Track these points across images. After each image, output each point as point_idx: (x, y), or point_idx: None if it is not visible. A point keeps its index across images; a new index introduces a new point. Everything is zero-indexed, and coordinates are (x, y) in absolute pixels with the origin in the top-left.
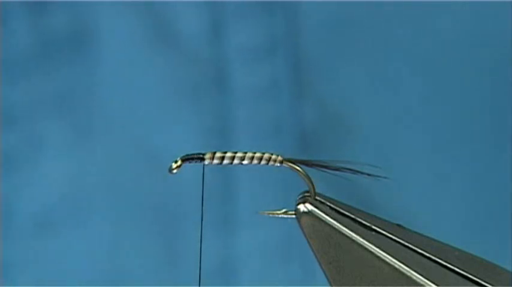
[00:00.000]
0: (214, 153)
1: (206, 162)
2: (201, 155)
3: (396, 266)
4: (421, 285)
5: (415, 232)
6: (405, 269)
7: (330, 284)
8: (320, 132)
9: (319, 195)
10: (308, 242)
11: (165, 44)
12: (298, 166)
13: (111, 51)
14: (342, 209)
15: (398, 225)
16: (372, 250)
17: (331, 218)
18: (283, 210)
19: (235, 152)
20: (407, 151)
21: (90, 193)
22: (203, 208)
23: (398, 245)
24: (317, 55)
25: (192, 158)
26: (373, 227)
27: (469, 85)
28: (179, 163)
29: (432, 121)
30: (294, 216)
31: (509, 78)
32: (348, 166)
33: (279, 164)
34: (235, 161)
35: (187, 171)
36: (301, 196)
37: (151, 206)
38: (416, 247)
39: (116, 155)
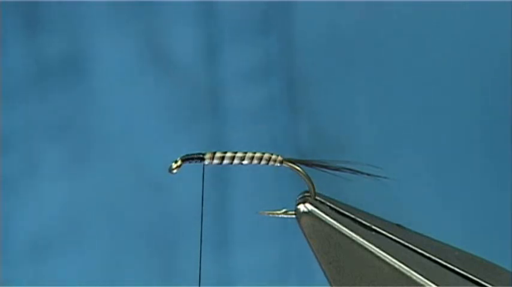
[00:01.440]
0: (214, 153)
1: (206, 162)
2: (201, 155)
3: (396, 266)
4: (421, 285)
5: (415, 232)
6: (405, 269)
7: (330, 284)
8: (315, 153)
9: (319, 195)
10: (308, 242)
11: (160, 67)
12: (298, 166)
13: (107, 76)
14: (342, 209)
15: (398, 225)
16: (372, 250)
17: (331, 218)
18: (283, 210)
19: (235, 152)
20: (403, 169)
21: (86, 215)
22: (202, 208)
23: (398, 245)
24: (312, 75)
25: (192, 158)
26: (373, 227)
27: (468, 90)
28: (179, 162)
29: (429, 139)
30: (294, 216)
31: (509, 80)
32: (348, 166)
33: (279, 164)
34: (235, 161)
35: (185, 192)
36: (301, 196)
37: (147, 228)
38: (416, 247)
39: (112, 178)
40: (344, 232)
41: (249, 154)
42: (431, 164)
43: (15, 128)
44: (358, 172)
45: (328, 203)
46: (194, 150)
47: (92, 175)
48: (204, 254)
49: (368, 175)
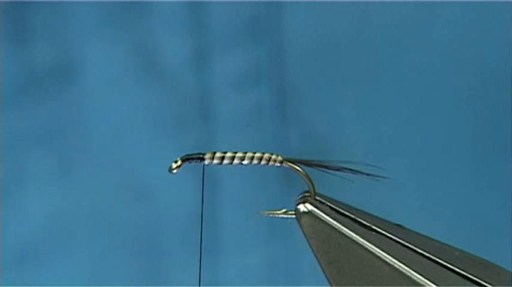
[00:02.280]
0: (214, 153)
1: (206, 162)
2: (201, 155)
3: (396, 266)
4: (421, 285)
5: (415, 232)
6: (405, 269)
7: (330, 284)
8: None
9: (319, 195)
10: (308, 242)
11: (149, 74)
12: (298, 166)
13: (96, 83)
14: (342, 209)
15: (398, 225)
16: (372, 250)
17: (331, 218)
18: (283, 210)
19: (235, 152)
20: (396, 177)
21: (75, 223)
22: (202, 208)
23: (398, 245)
24: (302, 82)
25: (192, 158)
26: (373, 227)
27: (466, 90)
28: (179, 162)
29: (422, 141)
30: (293, 216)
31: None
32: (348, 166)
33: (279, 164)
34: (235, 161)
35: (174, 199)
36: (301, 196)
37: (136, 235)
38: (416, 247)
39: (100, 187)
40: (344, 232)
41: (249, 154)
42: (425, 165)
43: (4, 136)
44: (358, 172)
45: (328, 203)
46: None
47: (80, 182)
48: (196, 258)
49: (368, 175)
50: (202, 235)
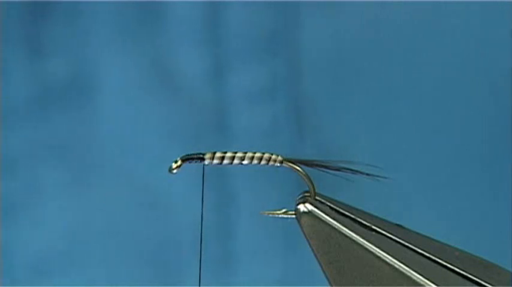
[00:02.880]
0: (214, 153)
1: (206, 162)
2: (201, 155)
3: (396, 266)
4: (421, 285)
5: (415, 232)
6: (405, 269)
7: (330, 284)
8: (321, 174)
9: (319, 195)
10: (308, 242)
11: (165, 86)
12: (298, 166)
13: (111, 97)
14: (342, 209)
15: (398, 225)
16: (372, 250)
17: (331, 218)
18: (283, 210)
19: (235, 152)
20: (409, 193)
21: (89, 237)
22: (202, 208)
23: (398, 245)
24: (318, 96)
25: (192, 158)
26: (373, 227)
27: (467, 90)
28: (179, 162)
29: (432, 155)
30: (294, 216)
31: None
32: (348, 166)
33: (279, 164)
34: (235, 161)
35: (186, 212)
36: (301, 196)
37: (149, 250)
38: (416, 247)
39: (114, 200)
40: (344, 232)
41: (249, 154)
42: (434, 167)
43: (17, 150)
44: (358, 172)
45: (328, 203)
46: (198, 171)
47: (94, 196)
48: (211, 270)
49: (368, 175)
50: (213, 245)
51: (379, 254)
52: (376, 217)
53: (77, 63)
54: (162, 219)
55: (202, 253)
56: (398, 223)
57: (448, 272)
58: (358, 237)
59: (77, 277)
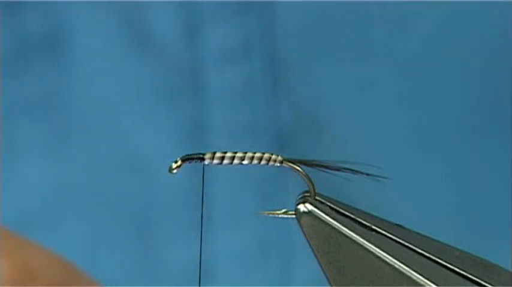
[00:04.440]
0: (214, 153)
1: (206, 162)
2: (201, 155)
3: (396, 266)
4: (421, 285)
5: (415, 232)
6: (405, 269)
7: (330, 284)
8: (295, 133)
9: (319, 195)
10: (308, 242)
11: (140, 45)
12: (298, 166)
13: (87, 53)
14: (342, 209)
15: (398, 225)
16: (372, 250)
17: (331, 218)
18: (283, 210)
19: (235, 152)
20: (386, 150)
21: (68, 195)
22: (203, 208)
23: (398, 245)
24: (293, 55)
25: (192, 158)
26: (373, 227)
27: (454, 83)
28: (179, 162)
29: (413, 119)
30: (294, 216)
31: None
32: (348, 166)
33: (279, 164)
34: (235, 161)
35: (166, 173)
36: (301, 196)
37: (128, 208)
38: (416, 247)
39: (94, 156)
40: (344, 232)
41: (249, 154)
42: (416, 147)
43: None
44: (358, 172)
45: (328, 203)
46: (175, 129)
47: (73, 152)
48: (190, 233)
49: (368, 175)
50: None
51: (379, 254)
52: (376, 217)
53: (53, 20)
54: (142, 176)
55: (184, 217)
56: (398, 223)
57: (448, 272)
58: (358, 237)
59: (56, 234)
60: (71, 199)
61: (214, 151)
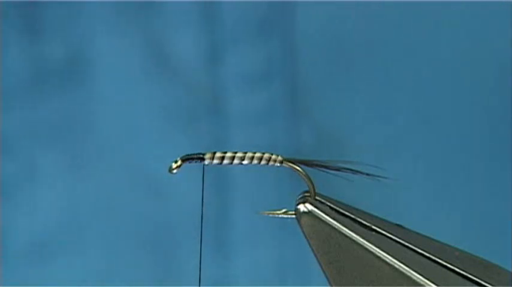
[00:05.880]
0: (214, 153)
1: (206, 162)
2: (201, 155)
3: (396, 266)
4: (421, 285)
5: (415, 232)
6: (405, 269)
7: (330, 285)
8: (315, 154)
9: (319, 195)
10: (308, 242)
11: (160, 69)
12: (298, 166)
13: (106, 79)
14: (342, 209)
15: (398, 225)
16: (372, 250)
17: (331, 218)
18: (283, 210)
19: (235, 152)
20: (404, 170)
21: (85, 221)
22: (203, 208)
23: (398, 245)
24: (314, 80)
25: (192, 158)
26: (373, 227)
27: (468, 91)
28: (179, 162)
29: (429, 140)
30: (294, 216)
31: (509, 81)
32: (348, 166)
33: (279, 164)
34: (235, 161)
35: (184, 195)
36: (301, 196)
37: (147, 231)
38: (416, 247)
39: (111, 183)
40: (344, 232)
41: (249, 154)
42: (431, 164)
43: (13, 131)
44: (358, 172)
45: (328, 203)
46: (193, 151)
47: (91, 178)
48: (203, 255)
49: (368, 175)
50: (212, 233)
51: (379, 254)
52: (376, 217)
53: (72, 45)
54: (159, 202)
55: (202, 241)
56: (398, 223)
57: (448, 272)
58: (358, 237)
59: (74, 259)
60: (87, 223)
61: (214, 151)
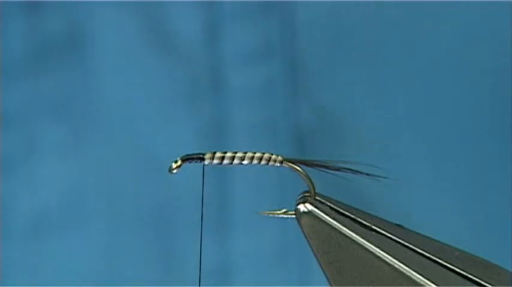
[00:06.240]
0: (214, 153)
1: (206, 162)
2: (201, 155)
3: (396, 266)
4: (421, 285)
5: (415, 232)
6: (405, 269)
7: (330, 285)
8: (316, 134)
9: (319, 195)
10: (308, 242)
11: (160, 45)
12: (298, 166)
13: (107, 54)
14: (342, 209)
15: (398, 225)
16: (372, 250)
17: (331, 218)
18: (283, 210)
19: (235, 152)
20: (404, 153)
21: (87, 195)
22: (203, 208)
23: (398, 245)
24: (313, 57)
25: (192, 158)
26: (373, 227)
27: (468, 89)
28: (179, 162)
29: (430, 125)
30: (294, 216)
31: (509, 80)
32: (348, 166)
33: (279, 164)
34: (235, 161)
35: (185, 173)
36: (301, 196)
37: (148, 208)
38: (416, 247)
39: (113, 158)
40: (344, 232)
41: (249, 154)
42: (431, 146)
43: (14, 106)
44: (358, 172)
45: (328, 203)
46: (194, 129)
47: (92, 154)
48: (207, 234)
49: (368, 175)
50: (216, 210)
51: (379, 254)
52: (376, 217)
53: (72, 20)
54: (161, 178)
55: (203, 219)
56: (398, 223)
57: (448, 272)
58: (358, 237)
59: (75, 235)
60: (89, 199)
61: (214, 151)
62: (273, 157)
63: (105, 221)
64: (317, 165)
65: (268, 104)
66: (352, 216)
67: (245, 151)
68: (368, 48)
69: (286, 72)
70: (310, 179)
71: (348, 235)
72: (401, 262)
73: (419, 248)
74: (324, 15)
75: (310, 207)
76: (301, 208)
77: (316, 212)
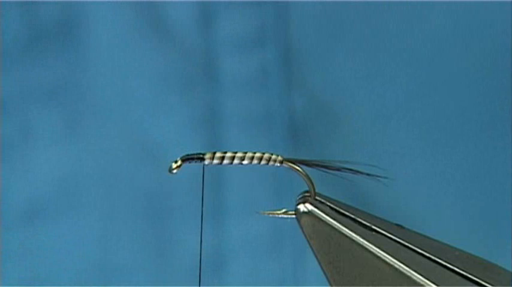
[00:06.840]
0: (214, 153)
1: (206, 162)
2: (201, 155)
3: (396, 266)
4: (421, 285)
5: (415, 232)
6: (405, 269)
7: (330, 284)
8: (309, 122)
9: (319, 195)
10: (308, 242)
11: (155, 33)
12: (298, 166)
13: (102, 41)
14: (342, 209)
15: (398, 225)
16: (372, 250)
17: (331, 218)
18: (283, 210)
19: (235, 152)
20: (397, 143)
21: (81, 183)
22: (203, 208)
23: (398, 245)
24: (307, 45)
25: (192, 158)
26: (373, 227)
27: (463, 80)
28: (179, 162)
29: (422, 115)
30: (294, 216)
31: (509, 77)
32: (348, 166)
33: (279, 164)
34: (235, 161)
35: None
36: (301, 196)
37: (142, 196)
38: (416, 247)
39: (107, 145)
40: (344, 232)
41: (249, 154)
42: (427, 135)
43: (9, 92)
44: (358, 172)
45: (328, 203)
46: (188, 117)
47: (86, 140)
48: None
49: (368, 174)
50: (214, 208)
51: (379, 254)
52: (376, 217)
53: (68, 5)
54: (155, 164)
55: (197, 205)
56: (398, 223)
57: (448, 272)
58: (358, 237)
59: (69, 221)
60: (84, 186)
61: (214, 151)
62: (273, 157)
63: (100, 208)
64: (317, 165)
65: (261, 92)
66: (352, 216)
67: (238, 139)
68: (364, 36)
69: (280, 60)
70: (310, 179)
71: (348, 235)
72: (401, 262)
73: (419, 248)
74: (318, 4)
75: (310, 207)
76: (301, 208)
77: (316, 212)
